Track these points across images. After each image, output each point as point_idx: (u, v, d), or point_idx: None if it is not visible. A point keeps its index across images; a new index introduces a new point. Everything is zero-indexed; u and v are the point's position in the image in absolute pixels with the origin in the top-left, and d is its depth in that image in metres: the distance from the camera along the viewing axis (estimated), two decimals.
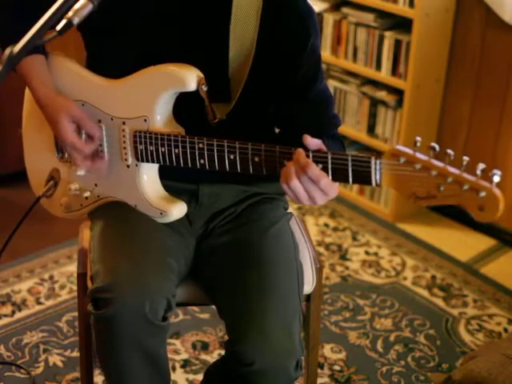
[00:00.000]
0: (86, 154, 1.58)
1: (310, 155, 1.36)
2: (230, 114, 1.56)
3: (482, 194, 1.21)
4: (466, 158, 1.23)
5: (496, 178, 1.21)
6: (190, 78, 1.49)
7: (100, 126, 1.59)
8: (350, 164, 1.33)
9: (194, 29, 1.55)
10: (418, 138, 1.27)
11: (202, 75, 1.49)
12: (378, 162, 1.29)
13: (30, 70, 1.61)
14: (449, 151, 1.24)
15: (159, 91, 1.52)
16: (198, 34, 1.56)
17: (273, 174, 1.42)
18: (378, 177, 1.30)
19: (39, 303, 2.49)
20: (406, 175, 1.27)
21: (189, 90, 1.49)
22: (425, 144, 1.26)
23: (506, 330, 2.47)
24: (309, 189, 1.36)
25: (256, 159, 1.43)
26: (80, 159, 1.59)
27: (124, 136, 1.57)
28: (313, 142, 1.37)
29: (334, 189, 1.37)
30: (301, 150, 1.36)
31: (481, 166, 1.22)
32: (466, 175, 1.22)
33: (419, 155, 1.26)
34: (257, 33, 1.53)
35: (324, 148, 1.37)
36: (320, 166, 1.35)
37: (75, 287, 2.52)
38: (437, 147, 1.25)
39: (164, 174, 1.61)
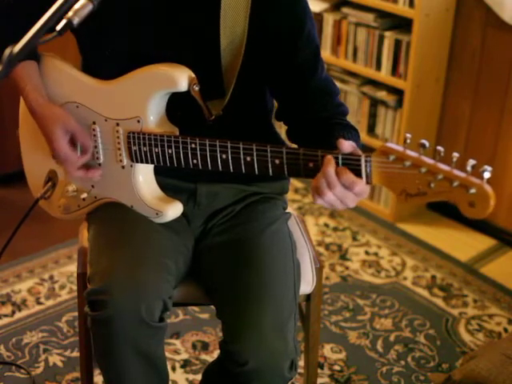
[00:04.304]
0: (78, 166, 1.59)
1: (340, 161, 1.32)
2: (225, 110, 1.56)
3: (472, 190, 1.20)
4: (455, 155, 1.22)
5: (486, 175, 1.20)
6: (182, 78, 1.49)
7: (92, 126, 1.59)
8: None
9: (186, 26, 1.55)
10: (408, 135, 1.26)
11: (193, 75, 1.49)
12: (367, 159, 1.29)
13: (23, 76, 1.60)
14: (439, 148, 1.23)
15: (151, 92, 1.52)
16: (190, 31, 1.55)
17: (264, 174, 1.42)
18: (368, 175, 1.30)
19: (39, 303, 2.49)
20: (395, 173, 1.27)
21: (180, 90, 1.49)
22: (416, 141, 1.25)
23: (506, 330, 2.47)
24: (342, 196, 1.32)
25: (248, 159, 1.43)
26: (72, 170, 1.60)
27: (118, 137, 1.57)
28: (346, 145, 1.32)
29: (367, 190, 1.34)
30: (330, 158, 1.31)
31: (471, 162, 1.21)
32: (456, 172, 1.22)
33: (409, 152, 1.25)
34: (247, 21, 1.52)
35: (358, 151, 1.34)
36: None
37: (75, 287, 2.52)
38: (427, 144, 1.24)
39: (162, 172, 1.61)
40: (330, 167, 1.31)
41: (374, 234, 3.01)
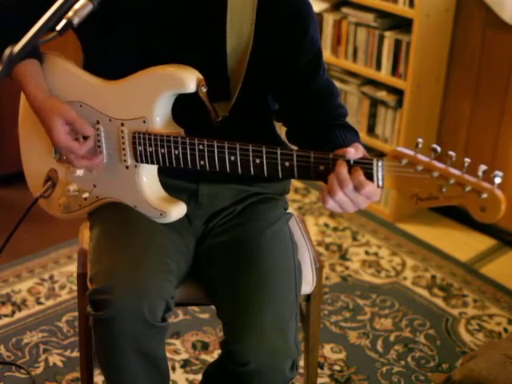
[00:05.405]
0: (80, 155, 1.58)
1: (352, 164, 1.32)
2: (231, 111, 1.56)
3: (484, 195, 1.21)
4: (467, 160, 1.23)
5: (497, 180, 1.21)
6: (190, 80, 1.49)
7: (96, 126, 1.59)
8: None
9: (193, 28, 1.55)
10: (420, 140, 1.27)
11: (201, 77, 1.49)
12: (379, 163, 1.29)
13: (25, 74, 1.60)
14: (450, 153, 1.24)
15: (158, 92, 1.51)
16: (197, 33, 1.55)
17: (274, 176, 1.42)
18: (380, 179, 1.30)
19: (39, 303, 2.49)
20: (407, 177, 1.27)
21: (188, 91, 1.49)
22: (426, 145, 1.26)
23: (506, 330, 2.47)
24: (353, 196, 1.32)
25: (257, 161, 1.42)
26: (76, 160, 1.59)
27: (123, 137, 1.57)
28: (353, 152, 1.32)
29: (377, 192, 1.33)
30: (342, 161, 1.32)
31: (482, 167, 1.22)
32: (467, 177, 1.23)
33: (421, 157, 1.26)
34: (254, 24, 1.53)
35: (367, 154, 1.34)
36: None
37: (75, 287, 2.52)
38: (438, 149, 1.25)
39: (164, 172, 1.61)
40: (343, 167, 1.32)
41: (374, 234, 3.01)
